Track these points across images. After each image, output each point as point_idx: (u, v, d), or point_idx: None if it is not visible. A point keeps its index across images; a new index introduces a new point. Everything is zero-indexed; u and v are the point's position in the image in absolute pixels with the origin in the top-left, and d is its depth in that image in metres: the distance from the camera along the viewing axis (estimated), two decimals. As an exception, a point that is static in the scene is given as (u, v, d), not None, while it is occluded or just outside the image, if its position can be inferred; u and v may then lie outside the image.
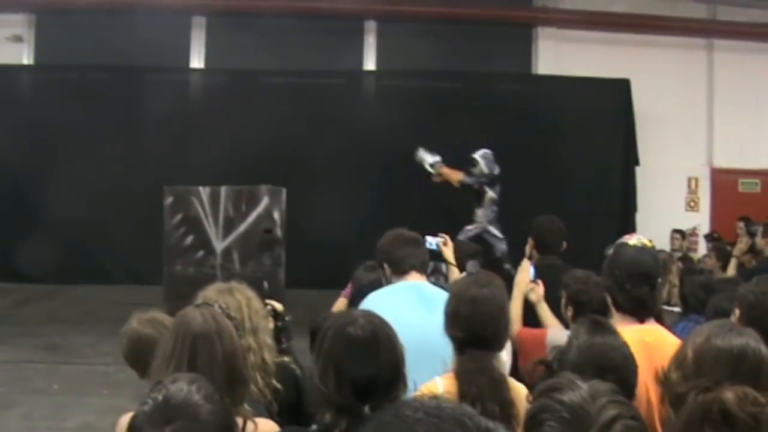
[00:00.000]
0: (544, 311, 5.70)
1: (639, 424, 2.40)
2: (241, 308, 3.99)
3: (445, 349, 4.03)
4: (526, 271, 5.92)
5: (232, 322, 3.34)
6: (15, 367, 10.03)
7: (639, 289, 4.25)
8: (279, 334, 5.81)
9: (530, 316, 5.75)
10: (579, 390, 2.41)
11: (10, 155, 15.78)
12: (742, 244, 10.29)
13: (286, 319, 4.86)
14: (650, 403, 3.90)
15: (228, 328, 3.28)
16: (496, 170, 13.10)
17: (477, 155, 13.17)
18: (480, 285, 4.25)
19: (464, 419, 1.41)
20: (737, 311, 4.28)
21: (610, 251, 4.89)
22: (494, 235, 12.78)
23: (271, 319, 5.00)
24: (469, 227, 12.85)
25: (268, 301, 4.80)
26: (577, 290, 5.20)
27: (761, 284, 4.37)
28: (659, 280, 4.49)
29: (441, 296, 4.62)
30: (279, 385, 4.04)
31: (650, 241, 5.57)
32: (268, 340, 4.15)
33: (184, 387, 2.46)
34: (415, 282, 5.04)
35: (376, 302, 4.64)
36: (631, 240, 5.59)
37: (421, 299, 4.81)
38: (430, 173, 13.19)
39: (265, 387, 3.95)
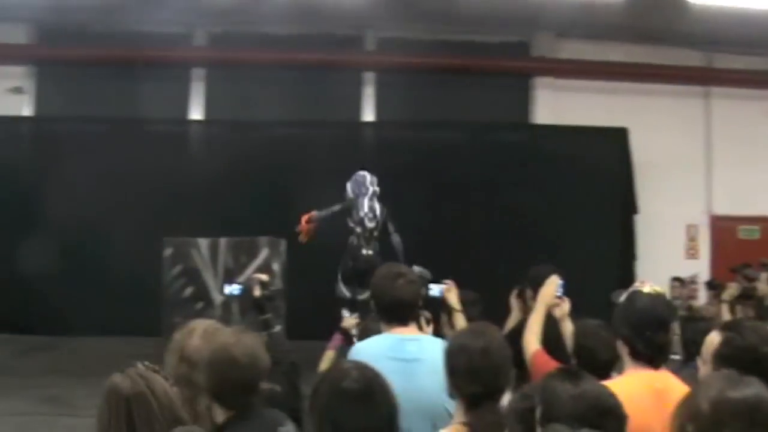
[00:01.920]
0: (568, 329, 5.62)
1: None
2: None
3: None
4: (552, 284, 5.83)
5: (159, 374, 3.34)
6: (16, 420, 10.00)
7: (658, 335, 4.27)
8: (263, 304, 5.84)
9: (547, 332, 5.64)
10: None
11: (10, 203, 15.80)
12: (732, 289, 10.19)
13: (272, 288, 4.88)
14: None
15: (158, 381, 3.30)
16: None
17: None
18: (483, 335, 4.24)
19: None
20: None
21: (621, 299, 4.88)
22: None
23: (257, 287, 5.10)
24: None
25: (256, 275, 4.87)
26: (583, 343, 5.15)
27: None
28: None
29: (421, 357, 4.62)
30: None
31: (661, 288, 5.57)
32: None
33: None
34: (397, 337, 4.92)
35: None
36: (645, 288, 5.58)
37: (399, 364, 4.64)
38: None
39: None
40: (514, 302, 6.69)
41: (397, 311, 4.98)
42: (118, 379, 3.26)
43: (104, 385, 3.38)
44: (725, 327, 3.99)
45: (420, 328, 5.19)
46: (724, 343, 3.87)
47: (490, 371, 4.04)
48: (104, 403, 3.26)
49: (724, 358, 3.83)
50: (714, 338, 3.94)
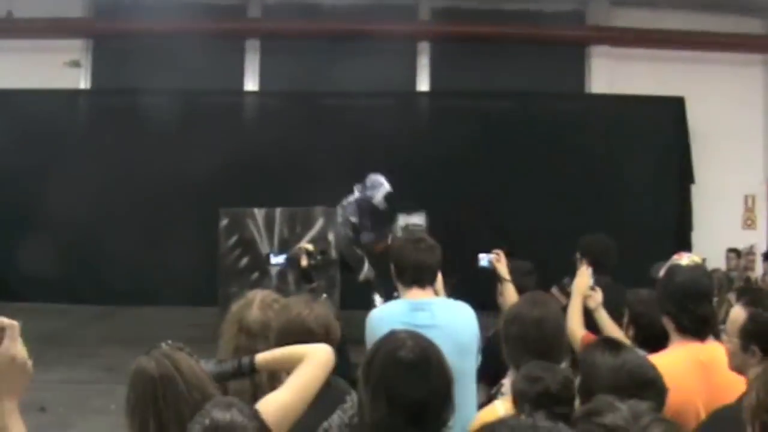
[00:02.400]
0: (603, 318, 5.59)
1: None
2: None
3: None
4: (585, 275, 5.81)
5: (184, 351, 3.32)
6: (74, 388, 10.13)
7: (701, 307, 4.21)
8: (310, 273, 5.88)
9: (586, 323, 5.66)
10: (619, 411, 2.39)
11: (71, 178, 16.00)
12: None
13: (318, 258, 4.92)
14: (699, 419, 3.88)
15: (183, 359, 3.22)
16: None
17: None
18: (540, 305, 4.24)
19: None
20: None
21: (661, 273, 4.84)
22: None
23: (304, 257, 5.11)
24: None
25: (301, 245, 4.91)
26: (639, 313, 5.11)
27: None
28: (715, 298, 4.45)
29: (435, 322, 4.65)
30: None
31: (702, 258, 5.51)
32: None
33: (225, 411, 2.51)
34: (411, 302, 4.95)
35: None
36: (683, 260, 5.53)
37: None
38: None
39: None
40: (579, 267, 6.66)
41: (418, 274, 5.01)
42: (143, 361, 3.18)
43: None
44: (748, 301, 3.92)
45: (436, 293, 5.21)
46: (750, 319, 3.80)
47: (544, 341, 4.05)
48: (130, 386, 3.21)
49: (750, 333, 3.78)
50: (739, 313, 3.87)
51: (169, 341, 3.31)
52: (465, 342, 4.82)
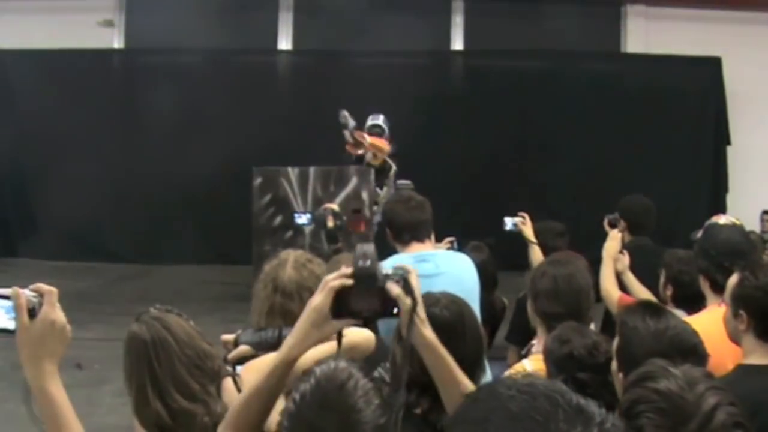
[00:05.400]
0: (631, 280, 5.61)
1: (739, 410, 2.34)
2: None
3: None
4: (615, 239, 5.82)
5: (173, 312, 3.38)
6: (109, 345, 10.19)
7: (737, 265, 4.17)
8: (335, 234, 5.95)
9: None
10: (674, 377, 2.35)
11: (105, 138, 16.09)
12: None
13: (344, 218, 4.99)
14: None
15: (173, 319, 3.34)
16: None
17: (380, 121, 12.11)
18: (568, 263, 4.26)
19: (556, 396, 1.40)
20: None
21: (699, 234, 4.81)
22: None
23: (331, 218, 5.18)
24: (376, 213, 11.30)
25: (327, 205, 4.97)
26: (680, 270, 5.09)
27: None
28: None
29: (440, 271, 4.74)
30: None
31: (738, 220, 5.48)
32: None
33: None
34: (414, 255, 5.02)
35: None
36: (721, 220, 5.50)
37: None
38: (349, 141, 11.61)
39: None
40: (608, 230, 6.64)
41: (414, 231, 5.16)
42: (134, 327, 3.30)
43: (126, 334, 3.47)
44: (744, 267, 3.88)
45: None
46: (738, 284, 3.76)
47: (573, 294, 4.10)
48: (125, 353, 3.32)
49: (738, 298, 3.74)
50: (733, 279, 3.84)
51: (158, 305, 3.41)
52: (469, 288, 4.86)
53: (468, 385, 2.81)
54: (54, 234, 16.05)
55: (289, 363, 2.61)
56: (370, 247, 2.56)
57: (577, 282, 4.18)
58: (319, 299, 2.51)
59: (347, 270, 2.50)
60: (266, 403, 2.69)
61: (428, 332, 2.71)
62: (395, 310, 2.50)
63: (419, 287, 2.59)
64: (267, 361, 2.78)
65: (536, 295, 4.25)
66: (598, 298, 5.54)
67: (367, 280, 2.49)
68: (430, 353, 2.75)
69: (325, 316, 2.50)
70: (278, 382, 2.64)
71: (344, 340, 2.83)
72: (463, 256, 5.29)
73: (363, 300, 2.49)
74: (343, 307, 2.50)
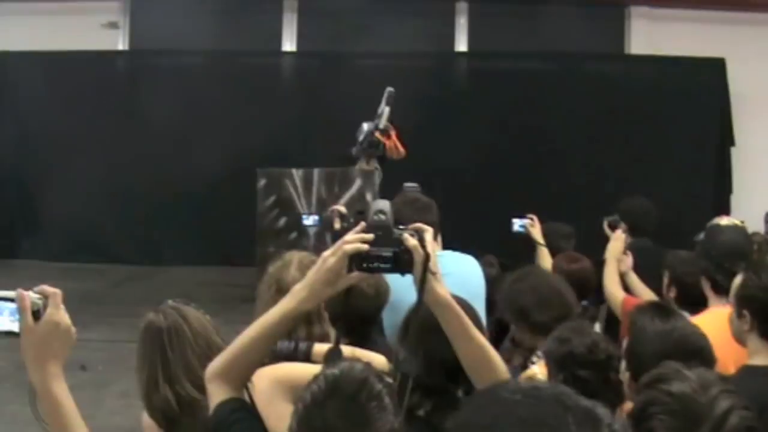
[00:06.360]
0: (635, 281, 5.63)
1: (752, 414, 2.33)
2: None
3: None
4: (619, 240, 5.85)
5: (191, 305, 3.47)
6: (113, 347, 10.23)
7: (738, 266, 4.18)
8: (342, 234, 5.99)
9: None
10: (687, 380, 2.35)
11: (109, 140, 16.10)
12: None
13: (351, 220, 4.97)
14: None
15: (190, 311, 3.44)
16: None
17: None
18: (530, 272, 4.30)
19: (563, 399, 1.40)
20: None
21: (701, 236, 4.83)
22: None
23: (338, 220, 5.23)
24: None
25: (335, 207, 4.98)
26: (684, 272, 5.09)
27: None
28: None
29: (448, 271, 4.70)
30: None
31: (741, 221, 5.49)
32: None
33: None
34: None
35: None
36: (722, 221, 5.51)
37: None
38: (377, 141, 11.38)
39: None
40: (608, 232, 6.66)
41: None
42: (151, 315, 3.42)
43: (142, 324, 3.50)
44: (747, 267, 3.88)
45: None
46: (742, 286, 3.76)
47: (559, 296, 4.14)
48: (140, 341, 3.38)
49: (742, 299, 3.74)
50: (737, 280, 3.84)
51: (176, 299, 3.47)
52: (475, 289, 4.90)
53: (484, 343, 2.81)
54: (57, 235, 16.06)
55: (296, 317, 2.62)
56: (386, 203, 2.59)
57: (554, 284, 4.24)
58: (333, 261, 2.53)
59: (366, 235, 2.54)
60: (261, 353, 2.71)
61: (442, 289, 2.72)
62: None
63: (432, 244, 2.65)
64: (273, 314, 2.71)
65: (521, 311, 4.29)
66: (602, 299, 5.55)
67: (383, 233, 2.51)
68: (444, 310, 2.75)
69: (338, 274, 2.53)
70: (279, 333, 2.66)
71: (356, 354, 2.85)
72: (470, 258, 5.28)
73: (377, 254, 2.52)
74: (356, 260, 2.52)
